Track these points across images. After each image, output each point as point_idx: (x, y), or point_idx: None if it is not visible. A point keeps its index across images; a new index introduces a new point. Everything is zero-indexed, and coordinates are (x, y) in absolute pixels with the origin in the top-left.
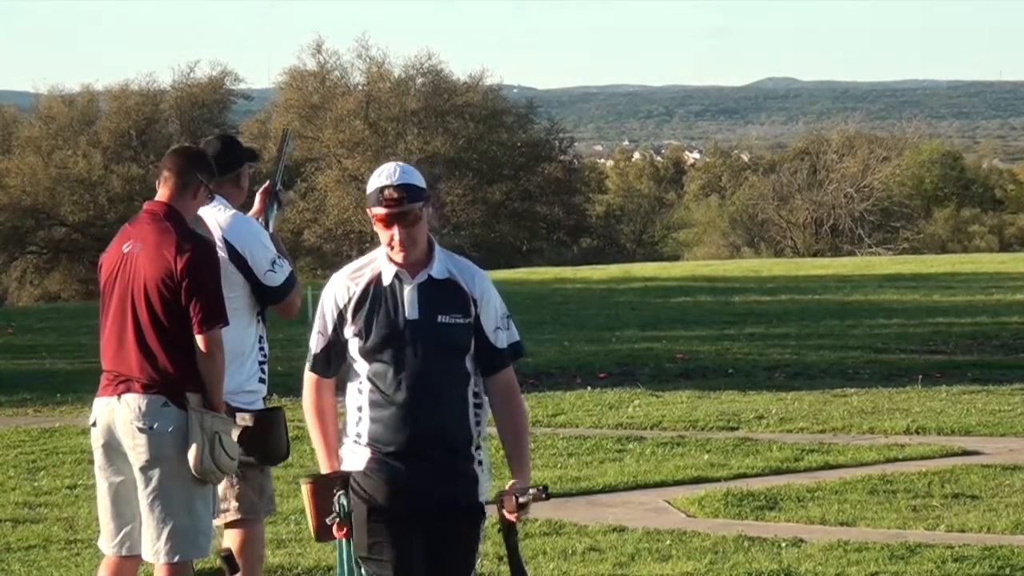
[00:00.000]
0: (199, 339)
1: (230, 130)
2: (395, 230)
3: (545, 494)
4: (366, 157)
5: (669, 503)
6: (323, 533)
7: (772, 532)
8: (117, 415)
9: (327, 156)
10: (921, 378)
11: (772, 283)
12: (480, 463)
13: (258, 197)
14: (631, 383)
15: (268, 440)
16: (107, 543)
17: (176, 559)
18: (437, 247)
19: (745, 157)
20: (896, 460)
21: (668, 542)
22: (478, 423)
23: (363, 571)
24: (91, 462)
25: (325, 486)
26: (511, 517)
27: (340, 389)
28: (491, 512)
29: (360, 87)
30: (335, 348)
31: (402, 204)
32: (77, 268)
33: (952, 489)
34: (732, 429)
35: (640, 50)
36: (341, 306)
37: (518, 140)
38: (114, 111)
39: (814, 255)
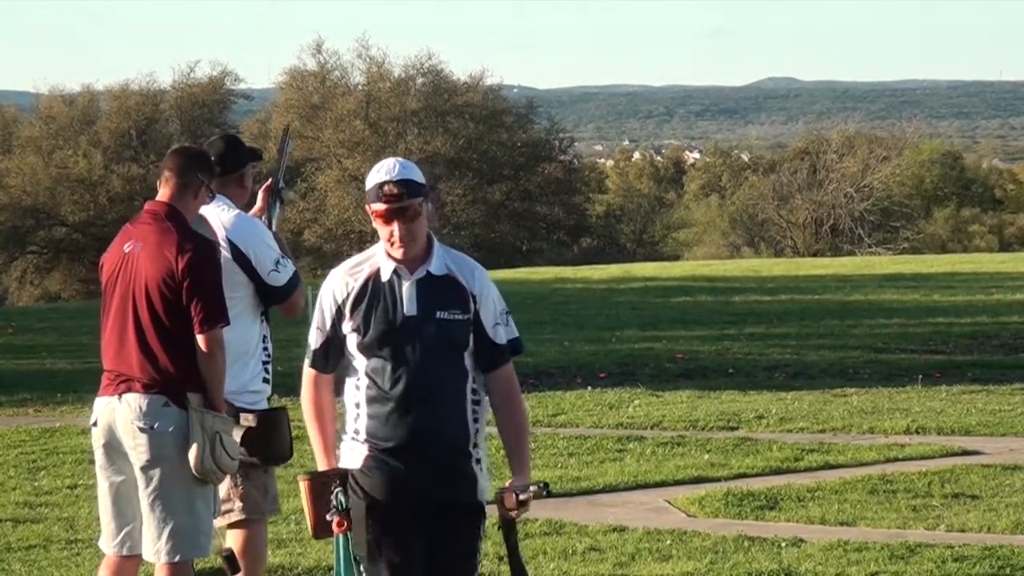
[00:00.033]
0: (200, 339)
1: (230, 130)
2: (395, 226)
3: (546, 491)
4: (366, 157)
5: (669, 503)
6: (321, 530)
7: (772, 532)
8: (118, 415)
9: (327, 156)
10: (921, 378)
11: (772, 283)
12: (479, 462)
13: (260, 195)
14: (631, 383)
15: (272, 441)
16: (108, 543)
17: (177, 559)
18: (436, 243)
19: (745, 157)
20: (896, 460)
21: (668, 542)
22: (476, 420)
23: (362, 568)
24: (91, 462)
25: (323, 483)
26: (511, 514)
27: (339, 390)
28: (491, 512)
29: (360, 87)
30: (333, 344)
31: (402, 200)
32: (77, 268)
33: (952, 489)
34: (732, 429)
35: (640, 50)
36: (339, 301)
37: (518, 140)
38: (114, 111)
39: (814, 255)
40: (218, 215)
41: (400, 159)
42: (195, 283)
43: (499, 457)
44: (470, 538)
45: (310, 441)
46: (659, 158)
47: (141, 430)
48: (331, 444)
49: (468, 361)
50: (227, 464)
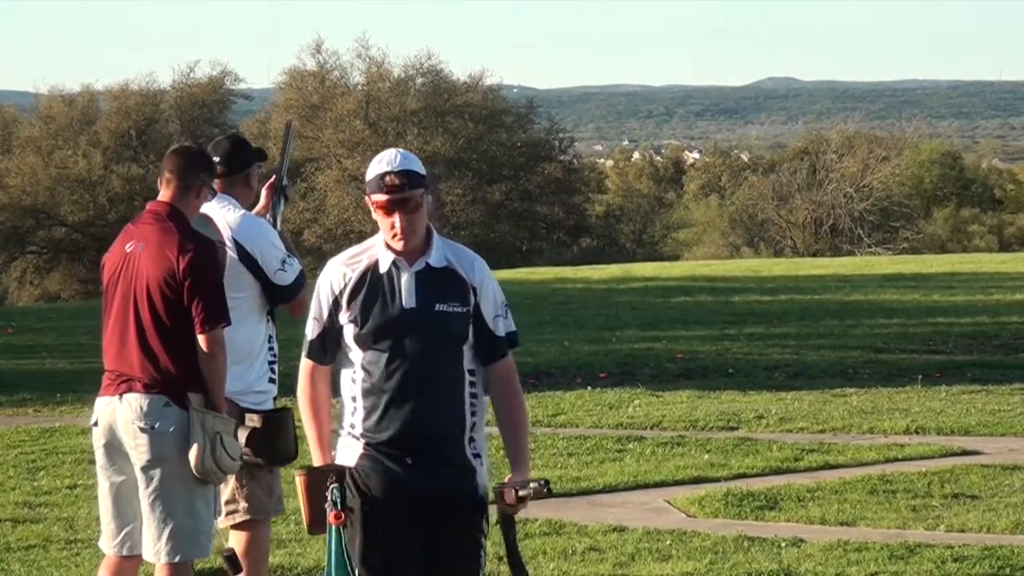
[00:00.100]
0: (201, 339)
1: (230, 130)
2: (396, 217)
3: (547, 488)
4: (366, 157)
5: (669, 503)
6: (316, 526)
7: (772, 532)
8: (119, 415)
9: (327, 156)
10: (921, 378)
11: (772, 283)
12: (477, 456)
13: (264, 192)
14: (631, 383)
15: (277, 441)
16: (108, 543)
17: (177, 559)
18: (435, 235)
19: (745, 157)
20: (896, 460)
21: (668, 542)
22: (474, 414)
23: (355, 566)
24: (92, 462)
25: (319, 478)
26: (509, 510)
27: (336, 390)
28: (491, 511)
29: (360, 87)
30: (330, 334)
31: (403, 190)
32: (77, 268)
33: (952, 489)
34: (732, 429)
35: (640, 50)
36: (336, 292)
37: (518, 140)
38: (114, 111)
39: (814, 255)
40: (224, 215)
41: (401, 150)
42: (196, 283)
43: (499, 457)
44: (472, 535)
45: (306, 435)
46: (659, 158)
47: (142, 430)
48: (327, 438)
49: (467, 354)
50: (228, 464)
